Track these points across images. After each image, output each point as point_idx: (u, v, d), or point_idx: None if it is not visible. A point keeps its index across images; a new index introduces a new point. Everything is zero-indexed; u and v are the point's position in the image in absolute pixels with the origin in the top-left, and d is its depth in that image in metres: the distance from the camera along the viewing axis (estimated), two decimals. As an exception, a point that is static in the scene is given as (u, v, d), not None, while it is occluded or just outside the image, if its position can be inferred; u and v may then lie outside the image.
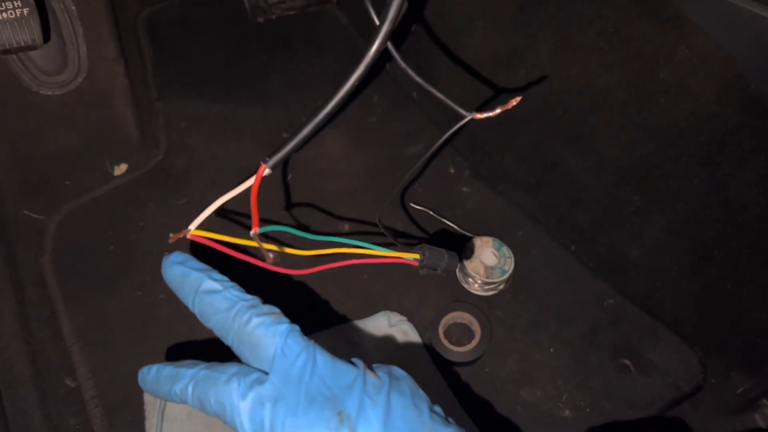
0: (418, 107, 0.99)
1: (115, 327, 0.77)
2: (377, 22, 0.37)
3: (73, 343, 0.75)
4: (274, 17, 1.07)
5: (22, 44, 0.77)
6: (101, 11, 0.91)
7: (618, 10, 0.67)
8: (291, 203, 0.87)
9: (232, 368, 0.40)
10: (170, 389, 0.42)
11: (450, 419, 0.41)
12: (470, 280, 0.79)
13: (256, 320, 0.40)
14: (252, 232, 0.41)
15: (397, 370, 0.43)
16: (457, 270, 0.81)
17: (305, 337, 0.41)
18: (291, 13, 1.07)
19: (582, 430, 0.72)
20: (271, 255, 0.41)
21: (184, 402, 0.41)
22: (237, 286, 0.43)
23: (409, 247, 0.52)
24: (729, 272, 0.69)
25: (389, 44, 0.37)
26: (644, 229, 0.75)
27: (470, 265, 0.78)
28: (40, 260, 0.81)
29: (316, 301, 0.79)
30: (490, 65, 0.84)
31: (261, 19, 1.06)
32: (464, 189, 0.91)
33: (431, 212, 0.87)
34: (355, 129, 0.97)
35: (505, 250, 0.80)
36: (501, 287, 0.80)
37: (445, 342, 0.75)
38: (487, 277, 0.78)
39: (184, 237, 0.42)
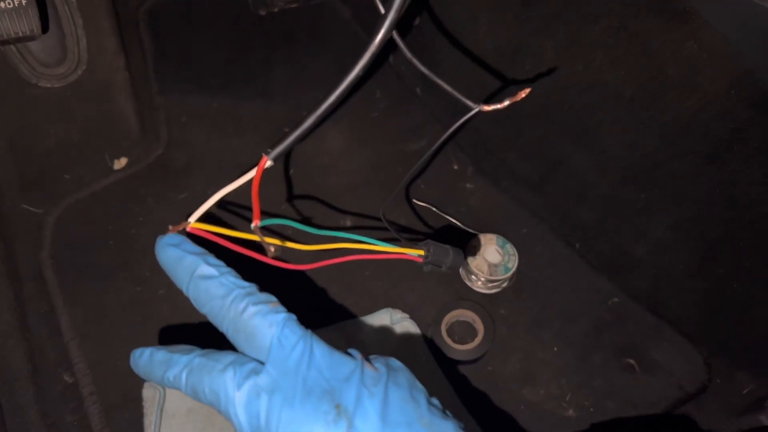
0: (421, 103, 0.98)
1: (114, 322, 0.76)
2: (383, 11, 0.36)
3: (71, 339, 0.74)
4: (276, 10, 1.06)
5: (20, 34, 0.76)
6: (101, 3, 0.90)
7: (625, 5, 0.66)
8: (292, 199, 0.87)
9: (228, 357, 0.39)
10: (163, 375, 0.41)
11: (448, 412, 0.41)
12: (473, 277, 0.79)
13: (252, 309, 0.39)
14: (253, 225, 0.40)
15: (395, 362, 0.42)
16: (460, 267, 0.80)
17: (302, 327, 0.40)
18: (293, 6, 1.06)
19: (585, 429, 0.71)
20: (272, 248, 0.40)
21: (177, 388, 0.40)
22: (233, 272, 0.41)
23: (413, 243, 0.51)
24: (735, 271, 0.68)
25: (395, 33, 0.36)
26: (649, 227, 0.74)
27: (473, 262, 0.78)
28: (38, 255, 0.81)
29: (318, 298, 0.78)
30: (495, 61, 0.83)
31: (263, 12, 1.05)
32: (468, 185, 0.90)
33: (434, 209, 0.86)
34: (357, 124, 0.96)
35: (509, 248, 0.79)
36: (504, 285, 0.79)
37: (448, 340, 0.75)
38: (490, 275, 0.77)
39: (184, 230, 0.41)
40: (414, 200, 0.87)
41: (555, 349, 0.76)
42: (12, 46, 0.84)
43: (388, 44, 0.38)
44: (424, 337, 0.75)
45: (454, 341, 0.75)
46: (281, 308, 0.40)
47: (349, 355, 0.40)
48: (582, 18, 0.70)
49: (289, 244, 0.43)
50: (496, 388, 0.73)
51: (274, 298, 0.41)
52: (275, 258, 0.41)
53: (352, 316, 0.76)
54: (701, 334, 0.75)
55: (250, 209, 0.40)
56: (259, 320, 0.39)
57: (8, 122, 0.86)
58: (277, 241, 0.41)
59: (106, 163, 0.89)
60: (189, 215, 0.41)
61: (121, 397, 0.70)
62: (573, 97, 0.76)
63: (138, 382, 0.70)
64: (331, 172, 0.91)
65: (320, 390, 0.37)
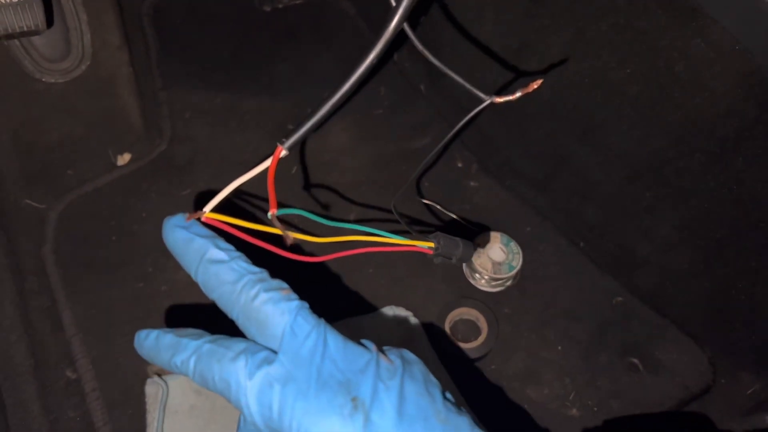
0: (426, 100, 0.98)
1: (117, 318, 0.76)
2: (393, 3, 0.36)
3: (73, 335, 0.74)
4: (281, 6, 1.06)
5: (25, 29, 0.76)
6: (106, -2, 0.90)
7: (632, 2, 0.65)
8: (296, 195, 0.86)
9: (239, 345, 0.38)
10: (170, 359, 0.39)
11: (462, 408, 0.40)
12: (477, 275, 0.78)
13: (264, 295, 0.38)
14: (270, 214, 0.39)
15: (409, 354, 0.41)
16: (464, 265, 0.80)
17: (315, 316, 0.39)
18: (298, 2, 1.06)
19: (589, 429, 0.71)
20: (290, 236, 0.40)
21: (183, 374, 0.39)
22: (244, 257, 0.40)
23: (422, 235, 0.50)
24: (740, 271, 0.68)
25: (405, 25, 0.35)
26: (655, 225, 0.74)
27: (478, 260, 0.77)
28: (41, 250, 0.80)
29: (321, 294, 0.77)
30: (501, 57, 0.82)
31: (268, 8, 1.05)
32: (472, 183, 0.90)
33: (438, 206, 0.86)
34: (361, 121, 0.96)
35: (513, 246, 0.79)
36: (508, 283, 0.79)
37: (452, 338, 0.74)
38: (494, 273, 0.77)
39: (199, 219, 0.40)
40: (419, 198, 0.87)
41: (559, 348, 0.76)
42: (16, 41, 0.83)
43: (394, 40, 0.38)
44: (427, 334, 0.75)
45: (458, 339, 0.74)
46: (294, 295, 0.39)
47: (364, 346, 0.39)
48: (589, 15, 0.70)
49: (304, 237, 0.42)
50: (499, 386, 0.73)
51: (285, 285, 0.39)
52: (291, 248, 0.41)
53: (355, 313, 0.76)
54: (706, 334, 0.75)
55: (260, 199, 0.40)
56: (271, 308, 0.38)
57: (12, 117, 0.86)
58: (294, 234, 0.40)
59: (109, 159, 0.89)
60: (195, 209, 0.40)
61: (124, 394, 0.70)
62: (578, 94, 0.75)
63: (141, 379, 0.69)
64: (335, 168, 0.90)
65: (335, 382, 0.36)
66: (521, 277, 0.80)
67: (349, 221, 0.84)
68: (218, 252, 0.39)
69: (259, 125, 0.95)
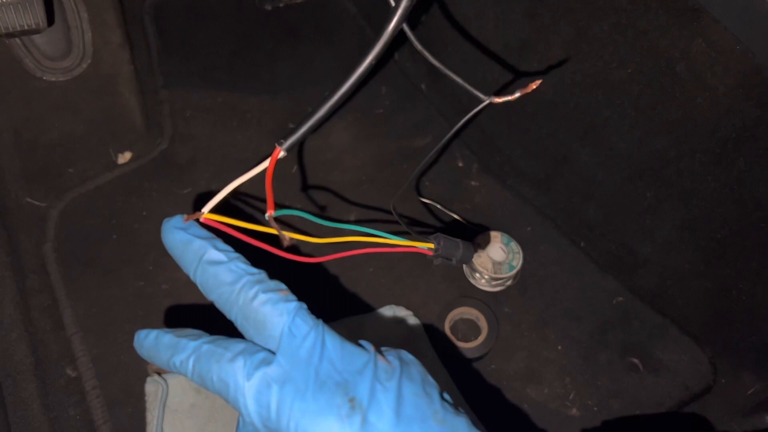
0: (427, 99, 0.98)
1: (117, 317, 0.76)
2: (393, 3, 0.35)
3: (74, 333, 0.74)
4: (281, 5, 1.06)
5: (26, 27, 0.76)
6: (107, -4, 0.90)
7: (634, 1, 0.65)
8: (296, 195, 0.86)
9: (237, 345, 0.38)
10: (169, 359, 0.39)
11: (460, 408, 0.40)
12: (477, 275, 0.78)
13: (262, 296, 0.38)
14: (267, 215, 0.39)
15: (407, 355, 0.41)
16: (464, 265, 0.80)
17: (313, 317, 0.39)
18: (299, 1, 1.06)
19: (589, 428, 0.71)
20: (287, 238, 0.40)
21: (182, 374, 0.39)
22: (242, 258, 0.40)
23: (422, 236, 0.50)
24: (742, 271, 0.68)
25: (405, 26, 0.35)
26: (656, 225, 0.74)
27: (478, 260, 0.77)
28: (42, 248, 0.80)
29: (322, 293, 0.78)
30: (502, 57, 0.82)
31: (269, 7, 1.05)
32: (473, 183, 0.89)
33: (439, 206, 0.86)
34: (362, 120, 0.95)
35: (514, 246, 0.79)
36: (509, 283, 0.79)
37: (452, 337, 0.74)
38: (494, 273, 0.77)
39: (197, 220, 0.41)
40: (419, 197, 0.87)
41: (559, 347, 0.76)
42: (17, 39, 0.83)
43: (395, 39, 0.37)
44: (427, 334, 0.75)
45: (458, 339, 0.74)
46: (292, 296, 0.39)
47: (361, 347, 0.40)
48: (590, 15, 0.70)
49: (302, 237, 0.42)
50: (499, 386, 0.73)
51: (284, 286, 0.39)
52: (289, 249, 0.41)
53: (356, 312, 0.76)
54: (707, 334, 0.75)
55: (259, 200, 0.40)
56: (270, 308, 0.38)
57: (13, 116, 0.86)
58: (291, 234, 0.40)
59: (110, 157, 0.89)
60: (193, 211, 0.40)
61: (124, 392, 0.70)
62: (580, 94, 0.75)
63: (141, 377, 0.69)
64: (336, 167, 0.90)
65: (333, 382, 0.37)
66: (522, 276, 0.80)
67: (349, 221, 0.85)
68: (217, 253, 0.39)
69: (260, 124, 0.95)
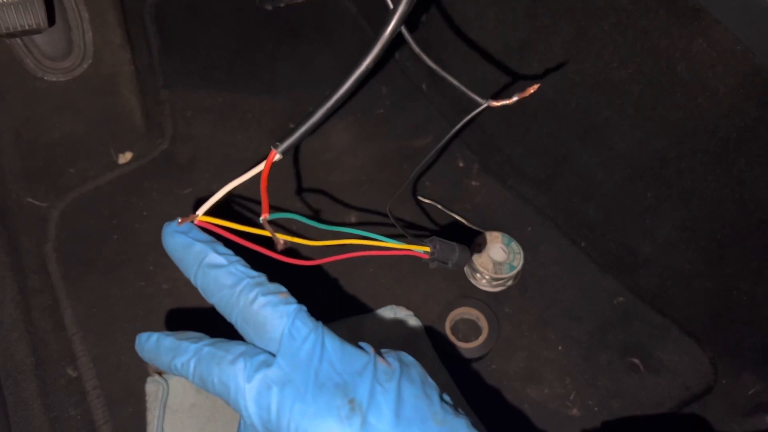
0: (427, 99, 0.98)
1: (118, 317, 0.76)
2: (391, 6, 0.35)
3: (74, 333, 0.74)
4: (282, 5, 1.06)
5: (27, 27, 0.76)
6: (108, -4, 0.90)
7: (634, 1, 0.65)
8: (297, 194, 0.86)
9: (238, 348, 0.38)
10: (170, 362, 0.40)
11: (459, 409, 0.40)
12: (478, 275, 0.78)
13: (262, 299, 0.38)
14: (261, 218, 0.39)
15: (407, 357, 0.42)
16: (466, 265, 0.80)
17: (313, 319, 0.39)
18: (300, 1, 1.06)
19: (590, 428, 0.71)
20: (281, 242, 0.40)
21: (183, 376, 0.39)
22: (242, 261, 0.40)
23: (419, 239, 0.50)
24: (742, 271, 0.68)
25: (403, 28, 0.35)
26: (656, 225, 0.74)
27: (478, 260, 0.77)
28: (42, 248, 0.81)
29: (322, 294, 0.78)
30: (502, 57, 0.82)
31: (269, 7, 1.05)
32: (473, 183, 0.89)
33: (439, 206, 0.86)
34: (362, 120, 0.95)
35: (514, 246, 0.78)
36: (509, 283, 0.79)
37: (452, 338, 0.74)
38: (495, 273, 0.77)
39: (192, 222, 0.41)
40: (419, 197, 0.86)
41: (560, 347, 0.76)
42: (18, 40, 0.84)
43: (395, 40, 0.37)
44: (428, 334, 0.75)
45: (458, 339, 0.74)
46: (292, 299, 0.39)
47: (361, 348, 0.40)
48: (590, 14, 0.70)
49: (297, 240, 0.43)
50: (500, 386, 0.73)
51: (284, 289, 0.40)
52: (283, 252, 0.41)
53: (356, 313, 0.76)
54: (707, 334, 0.75)
55: (255, 203, 0.40)
56: (270, 311, 0.38)
57: (13, 115, 0.86)
58: (285, 237, 0.41)
59: (110, 157, 0.89)
60: (196, 209, 0.40)
61: (124, 392, 0.70)
62: (580, 94, 0.75)
63: (141, 377, 0.69)
64: (336, 167, 0.90)
65: (332, 384, 0.37)
66: (522, 276, 0.80)
67: (349, 222, 0.85)
68: (217, 257, 0.40)
69: (261, 124, 0.95)
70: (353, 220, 0.85)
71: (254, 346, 0.39)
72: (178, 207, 0.85)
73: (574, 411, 0.72)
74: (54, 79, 0.87)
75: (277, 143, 0.38)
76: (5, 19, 0.75)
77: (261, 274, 0.40)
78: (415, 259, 0.52)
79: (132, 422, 0.69)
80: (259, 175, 0.39)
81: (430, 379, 0.41)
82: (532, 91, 0.35)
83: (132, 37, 0.95)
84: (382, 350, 0.41)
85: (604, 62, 0.71)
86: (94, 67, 0.89)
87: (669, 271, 0.75)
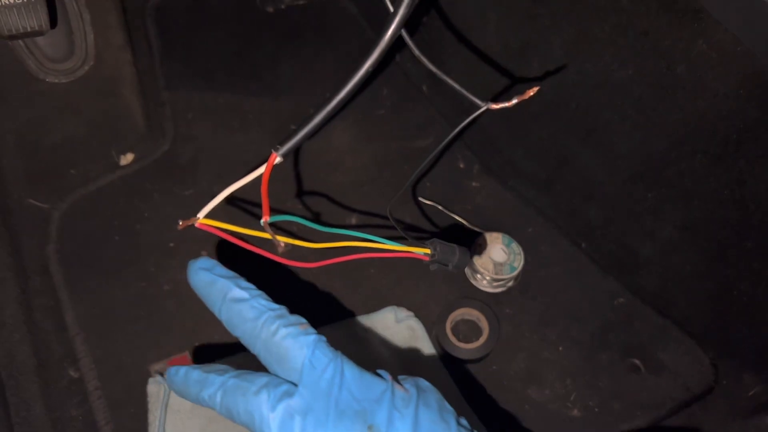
0: (428, 100, 0.98)
1: (120, 318, 0.76)
2: (391, 9, 0.36)
3: (76, 334, 0.74)
4: (283, 6, 1.06)
5: (29, 30, 0.77)
6: (109, -2, 0.90)
7: (635, 2, 0.65)
8: (298, 196, 0.87)
9: (261, 379, 0.40)
10: (198, 394, 0.42)
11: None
12: (479, 276, 0.78)
13: (283, 330, 0.40)
14: (262, 221, 0.40)
15: (423, 383, 0.44)
16: (466, 266, 0.80)
17: (332, 349, 0.41)
18: (301, 2, 1.07)
19: (590, 430, 0.71)
20: (282, 244, 0.41)
21: (211, 408, 0.41)
22: (264, 295, 0.43)
23: (419, 241, 0.50)
24: (743, 272, 0.68)
25: (403, 31, 0.36)
26: (657, 226, 0.74)
27: (479, 261, 0.77)
28: (44, 250, 0.81)
29: (323, 295, 0.78)
30: (503, 58, 0.82)
31: (270, 8, 1.05)
32: (474, 184, 0.90)
33: (440, 207, 0.86)
34: (363, 121, 0.96)
35: (515, 247, 0.79)
36: (510, 284, 0.79)
37: (453, 338, 0.74)
38: (496, 274, 0.77)
39: (192, 225, 0.41)
40: (420, 198, 0.87)
41: (560, 348, 0.76)
42: (20, 41, 0.84)
43: (396, 42, 0.38)
44: (428, 335, 0.75)
45: (459, 340, 0.74)
46: (311, 330, 0.41)
47: (379, 376, 0.42)
48: (591, 15, 0.70)
49: (297, 242, 0.43)
50: (500, 387, 0.73)
51: (303, 320, 0.42)
52: (283, 255, 0.42)
53: (357, 314, 0.76)
54: (708, 335, 0.75)
55: (257, 205, 0.40)
56: (291, 342, 0.40)
57: (15, 117, 0.87)
58: (286, 239, 0.41)
59: (112, 159, 0.89)
60: (195, 212, 0.41)
61: (126, 393, 0.70)
62: (581, 95, 0.75)
63: (143, 378, 0.70)
64: (337, 169, 0.91)
65: (352, 411, 0.38)
66: (523, 277, 0.80)
67: (350, 224, 0.85)
68: (240, 291, 0.42)
69: (262, 125, 0.95)
70: (354, 221, 0.85)
71: (277, 376, 0.41)
72: (179, 208, 0.85)
73: (575, 412, 0.72)
74: (55, 80, 0.87)
75: (278, 146, 0.39)
76: (8, 21, 0.75)
77: (282, 306, 0.42)
78: (415, 260, 0.52)
79: (133, 423, 0.69)
80: (259, 177, 0.40)
81: (447, 404, 0.43)
82: (531, 93, 0.35)
83: (133, 39, 0.95)
84: (400, 377, 0.43)
85: (604, 63, 0.71)
86: (95, 68, 0.90)
87: (670, 272, 0.75)
